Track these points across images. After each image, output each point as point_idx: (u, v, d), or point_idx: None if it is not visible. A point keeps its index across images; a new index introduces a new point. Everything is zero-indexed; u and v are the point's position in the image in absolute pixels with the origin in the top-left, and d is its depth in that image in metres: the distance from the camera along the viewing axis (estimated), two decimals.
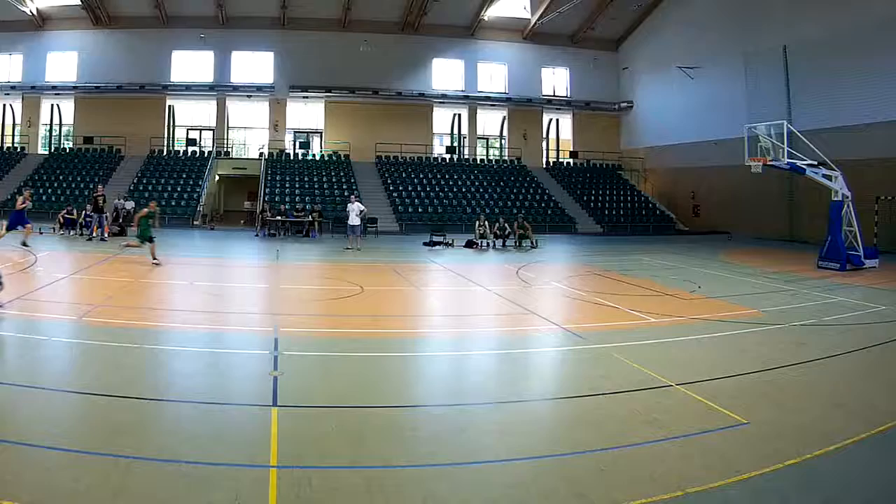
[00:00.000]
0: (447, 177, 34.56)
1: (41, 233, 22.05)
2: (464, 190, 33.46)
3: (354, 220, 21.15)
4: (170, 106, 35.26)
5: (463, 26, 36.45)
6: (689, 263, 18.36)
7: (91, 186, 29.69)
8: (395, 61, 35.84)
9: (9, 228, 17.36)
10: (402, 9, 34.73)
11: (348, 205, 21.90)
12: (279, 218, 26.08)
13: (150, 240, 15.69)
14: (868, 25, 23.09)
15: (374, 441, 5.13)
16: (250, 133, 37.02)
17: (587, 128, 39.05)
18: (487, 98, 37.62)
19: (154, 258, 15.40)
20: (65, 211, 23.09)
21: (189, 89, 34.83)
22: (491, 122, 39.11)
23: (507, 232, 23.43)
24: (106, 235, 22.72)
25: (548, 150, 39.23)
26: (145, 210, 16.49)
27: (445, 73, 37.29)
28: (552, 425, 5.90)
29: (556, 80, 39.06)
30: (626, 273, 16.05)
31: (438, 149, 38.05)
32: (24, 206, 17.46)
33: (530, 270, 16.70)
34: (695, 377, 6.99)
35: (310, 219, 25.88)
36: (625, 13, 35.69)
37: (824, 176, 17.76)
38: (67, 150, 33.91)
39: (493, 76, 38.01)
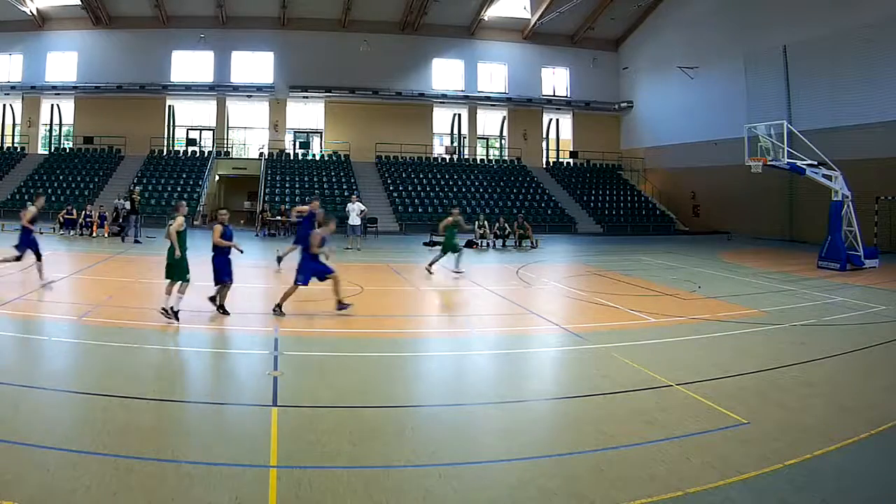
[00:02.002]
0: (447, 177, 34.56)
1: (41, 233, 22.06)
2: (464, 190, 33.45)
3: (355, 219, 21.20)
4: (170, 106, 35.26)
5: (463, 26, 36.45)
6: (689, 263, 18.36)
7: (91, 187, 29.74)
8: (395, 61, 35.84)
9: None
10: (402, 9, 34.72)
11: (348, 205, 21.91)
12: (279, 218, 26.09)
13: (455, 249, 15.02)
14: (868, 26, 23.09)
15: (374, 441, 5.13)
16: (250, 133, 37.03)
17: (587, 128, 39.05)
18: (487, 98, 37.61)
19: (457, 269, 14.88)
20: (65, 211, 23.09)
21: (189, 89, 34.83)
22: (491, 122, 39.10)
23: (507, 232, 23.43)
24: (106, 235, 22.76)
25: (548, 150, 39.23)
26: (450, 219, 15.33)
27: (445, 73, 37.28)
28: (552, 425, 5.90)
29: (555, 80, 39.05)
30: (626, 273, 16.05)
31: (438, 149, 38.06)
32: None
33: (530, 270, 16.70)
34: (695, 377, 6.99)
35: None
36: (625, 13, 35.68)
37: (824, 176, 17.76)
38: (67, 150, 33.91)
39: (493, 76, 38.00)
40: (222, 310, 9.65)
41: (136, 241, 20.74)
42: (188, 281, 9.21)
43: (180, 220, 9.22)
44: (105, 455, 4.59)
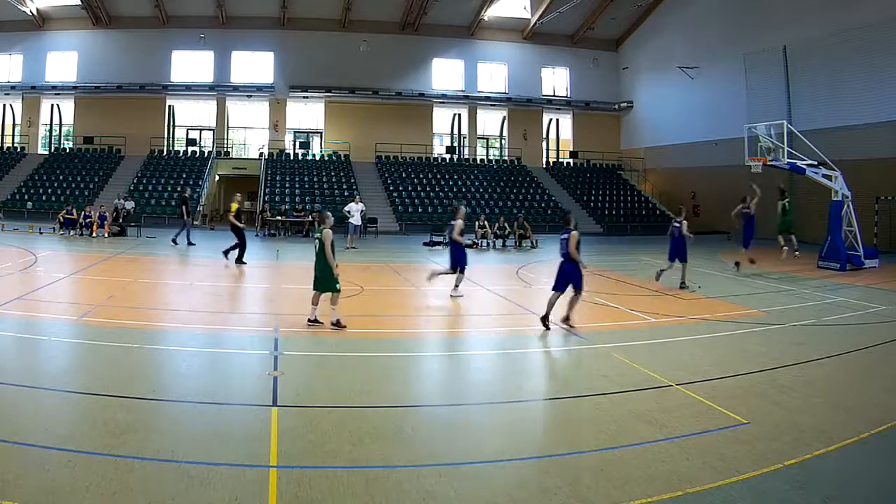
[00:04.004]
0: (447, 177, 34.56)
1: (41, 233, 22.09)
2: (464, 190, 33.45)
3: (357, 219, 21.43)
4: (170, 106, 35.27)
5: (463, 26, 36.45)
6: (689, 263, 18.33)
7: (91, 187, 29.73)
8: (395, 61, 35.84)
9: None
10: (402, 9, 34.73)
11: (351, 205, 22.04)
12: (279, 218, 26.11)
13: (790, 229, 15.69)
14: (868, 25, 23.08)
15: (374, 441, 5.13)
16: (250, 133, 37.03)
17: (587, 128, 39.05)
18: (487, 98, 37.61)
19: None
20: (65, 211, 23.09)
21: (189, 89, 34.84)
22: (491, 122, 39.10)
23: (507, 232, 23.43)
24: (106, 235, 22.76)
25: (548, 150, 39.23)
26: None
27: (445, 73, 37.28)
28: (552, 425, 5.90)
29: (556, 80, 39.05)
30: (627, 273, 16.05)
31: (438, 149, 38.06)
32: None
33: (530, 270, 16.70)
34: (695, 377, 6.99)
35: (310, 219, 25.88)
36: (625, 13, 35.68)
37: (824, 176, 17.76)
38: (67, 150, 33.92)
39: (493, 76, 38.00)
40: (545, 322, 9.25)
41: (191, 244, 20.45)
42: (339, 290, 9.04)
43: (329, 231, 9.01)
44: (105, 455, 4.59)
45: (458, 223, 12.11)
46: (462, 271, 12.01)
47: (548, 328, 9.14)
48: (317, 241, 9.09)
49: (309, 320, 8.96)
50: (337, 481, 4.41)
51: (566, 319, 9.31)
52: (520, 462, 4.84)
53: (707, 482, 4.47)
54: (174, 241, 20.31)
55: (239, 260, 16.20)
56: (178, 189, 30.30)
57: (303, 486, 4.29)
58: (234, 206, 17.12)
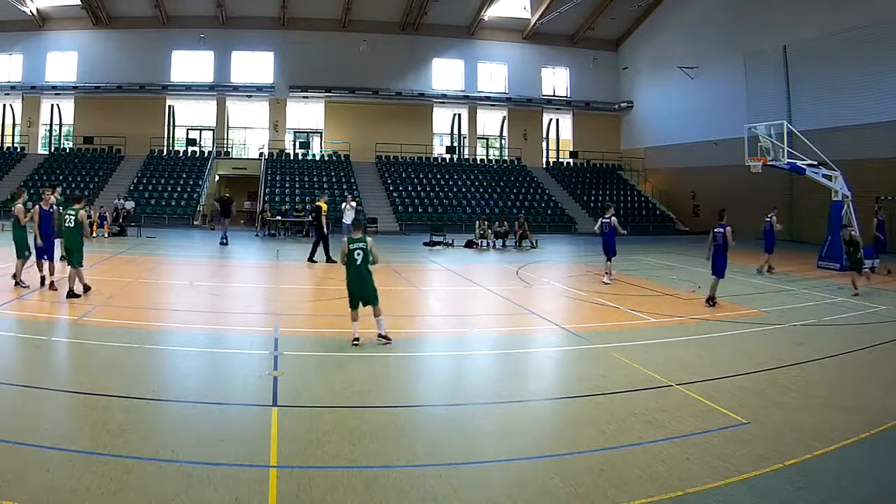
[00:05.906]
0: (447, 177, 34.56)
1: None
2: (464, 190, 33.45)
3: (350, 218, 21.46)
4: (170, 106, 35.29)
5: (463, 26, 36.47)
6: (689, 263, 18.35)
7: (91, 187, 29.72)
8: (395, 61, 35.86)
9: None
10: (402, 9, 34.74)
11: (345, 204, 22.05)
12: (279, 218, 26.12)
13: None
14: (868, 26, 23.09)
15: (374, 441, 5.12)
16: (250, 133, 37.04)
17: (587, 128, 39.07)
18: (487, 98, 37.63)
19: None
20: None
21: (189, 89, 34.85)
22: (491, 122, 39.11)
23: (506, 232, 23.44)
24: (106, 235, 22.77)
25: (548, 150, 39.24)
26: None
27: (445, 73, 37.30)
28: (552, 425, 5.89)
29: (555, 80, 39.06)
30: (626, 273, 16.04)
31: (438, 149, 38.06)
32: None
33: (530, 270, 16.69)
34: (695, 377, 6.99)
35: (310, 219, 25.87)
36: (625, 13, 35.70)
37: (824, 176, 17.76)
38: (67, 150, 33.92)
39: (493, 76, 38.02)
40: (712, 302, 11.27)
41: (223, 244, 20.59)
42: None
43: (370, 239, 8.57)
44: (105, 455, 4.59)
45: (614, 219, 14.39)
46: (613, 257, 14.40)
47: (714, 304, 11.22)
48: (359, 252, 8.39)
49: (379, 335, 8.24)
50: (337, 481, 4.41)
51: (711, 300, 11.25)
52: (520, 462, 4.84)
53: (707, 482, 4.47)
54: (222, 242, 20.65)
55: (311, 258, 16.87)
56: (178, 190, 30.35)
57: (303, 486, 4.29)
58: (325, 205, 17.23)
